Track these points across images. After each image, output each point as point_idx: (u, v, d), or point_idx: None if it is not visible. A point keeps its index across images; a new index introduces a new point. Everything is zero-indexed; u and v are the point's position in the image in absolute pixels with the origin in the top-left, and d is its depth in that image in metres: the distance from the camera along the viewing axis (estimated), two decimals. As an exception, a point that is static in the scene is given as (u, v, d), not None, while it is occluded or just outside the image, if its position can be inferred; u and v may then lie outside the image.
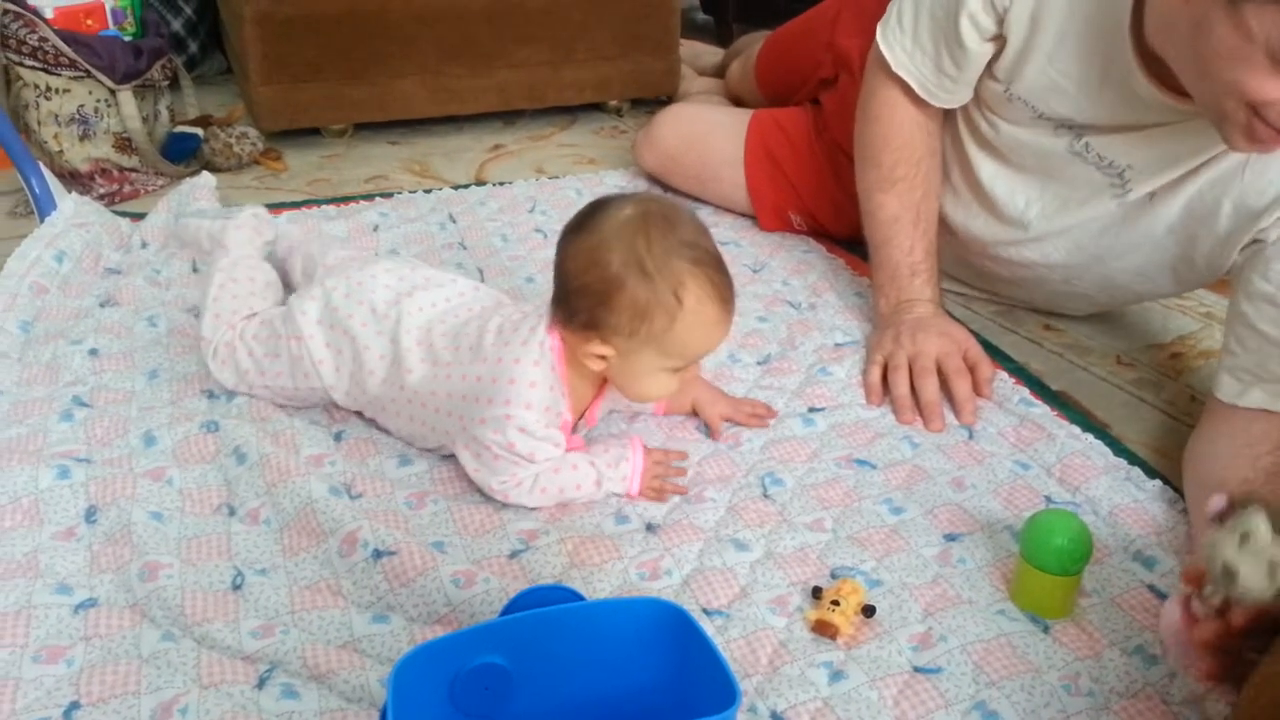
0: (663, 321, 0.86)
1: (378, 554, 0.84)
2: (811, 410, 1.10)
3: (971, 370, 1.13)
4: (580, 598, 0.68)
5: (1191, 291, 1.31)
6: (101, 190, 1.60)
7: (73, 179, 1.58)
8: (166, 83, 1.71)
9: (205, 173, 1.57)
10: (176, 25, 2.20)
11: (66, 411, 1.01)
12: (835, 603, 0.81)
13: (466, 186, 1.71)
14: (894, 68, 1.19)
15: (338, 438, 1.02)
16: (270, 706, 0.72)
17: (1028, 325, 1.36)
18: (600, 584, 0.85)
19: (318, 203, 1.62)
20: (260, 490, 0.92)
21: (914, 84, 1.19)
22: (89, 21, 1.62)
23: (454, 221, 1.55)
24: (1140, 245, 1.13)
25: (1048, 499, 0.97)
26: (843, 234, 1.53)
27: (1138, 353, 1.30)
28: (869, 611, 0.82)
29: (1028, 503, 0.97)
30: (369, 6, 1.83)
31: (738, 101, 1.96)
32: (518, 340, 0.91)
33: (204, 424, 1.01)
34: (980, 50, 1.11)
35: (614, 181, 1.73)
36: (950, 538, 0.92)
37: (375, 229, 1.50)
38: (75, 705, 0.71)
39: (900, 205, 1.22)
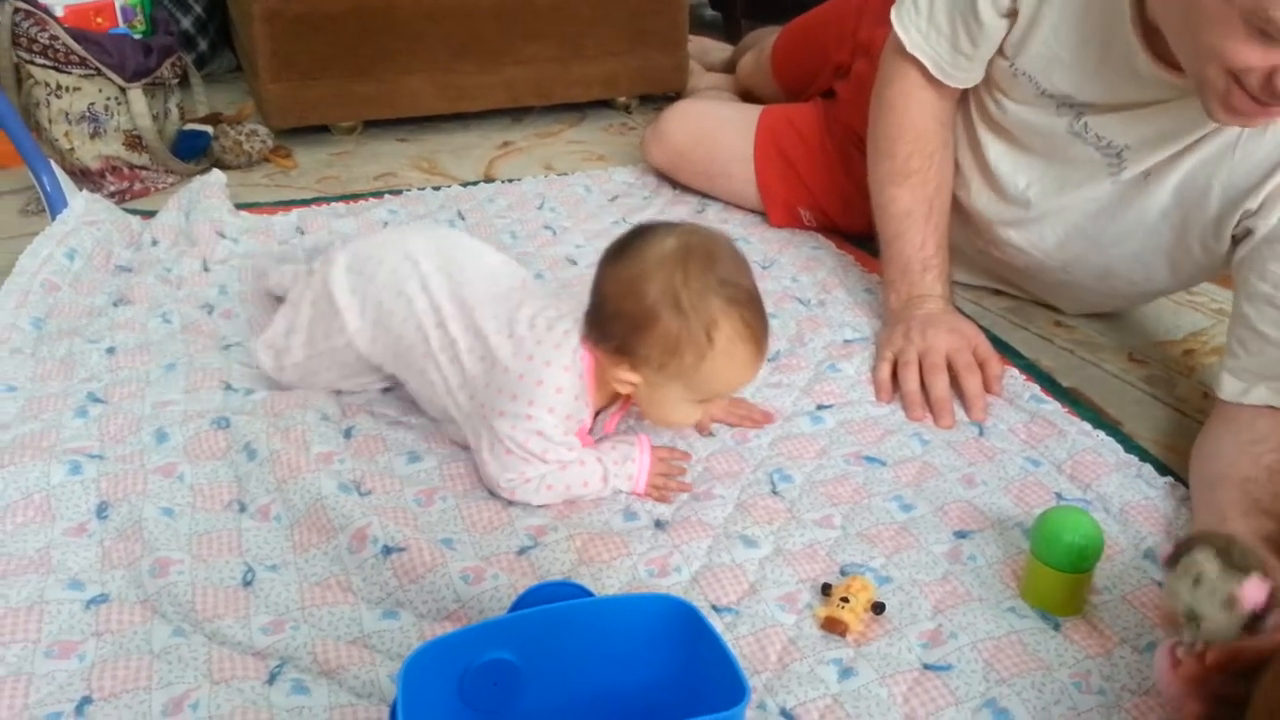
0: (692, 358, 0.86)
1: (387, 550, 0.84)
2: (820, 407, 1.10)
3: (982, 367, 1.12)
4: (589, 594, 0.68)
5: (1194, 286, 1.30)
6: (112, 188, 1.61)
7: (83, 177, 1.59)
8: (176, 80, 1.71)
9: (215, 170, 1.58)
10: (186, 23, 2.21)
11: (81, 408, 1.02)
12: (845, 600, 0.81)
13: (475, 183, 1.71)
14: (909, 48, 1.19)
15: (347, 434, 1.02)
16: (280, 702, 0.72)
17: (1039, 321, 1.35)
18: (609, 580, 0.85)
19: (327, 200, 1.62)
20: (271, 487, 0.92)
21: (929, 64, 1.19)
22: (99, 20, 1.63)
23: (463, 218, 1.55)
24: (1134, 231, 1.13)
25: (1058, 496, 0.97)
26: (853, 229, 1.52)
27: (1149, 349, 1.30)
28: (878, 608, 0.82)
29: (1038, 500, 0.96)
30: (377, 3, 1.83)
31: (749, 95, 1.96)
32: (550, 341, 0.90)
33: (215, 420, 1.01)
34: (996, 25, 1.11)
35: (623, 178, 1.73)
36: (960, 535, 0.92)
37: (384, 226, 1.50)
38: (87, 700, 0.72)
39: (913, 199, 1.22)
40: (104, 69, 1.57)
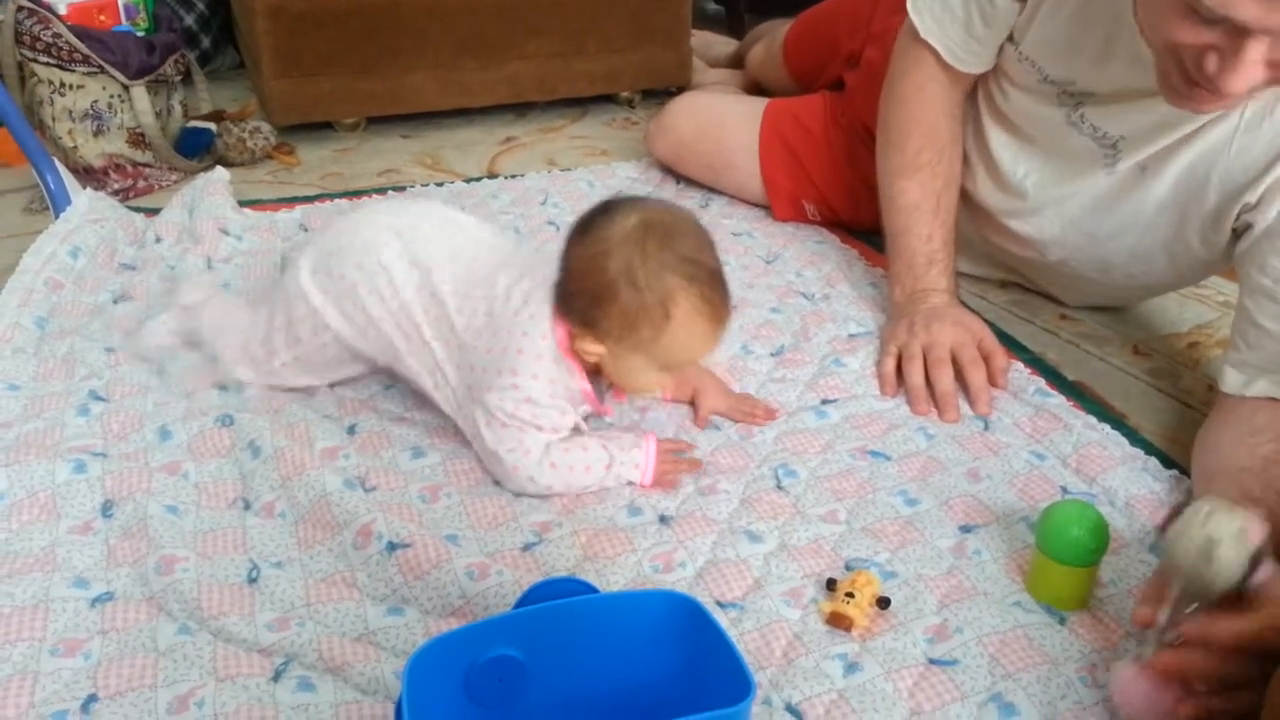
0: (650, 332, 0.88)
1: (392, 546, 0.84)
2: (825, 402, 1.10)
3: (986, 360, 1.12)
4: (594, 590, 0.68)
5: (1196, 282, 1.30)
6: (116, 186, 1.61)
7: (87, 174, 1.59)
8: (179, 78, 1.71)
9: (219, 167, 1.58)
10: (189, 20, 2.21)
11: (83, 406, 1.02)
12: (850, 595, 0.81)
13: (478, 179, 1.71)
14: (922, 33, 1.19)
15: (351, 431, 1.02)
16: (286, 699, 0.72)
17: (1044, 315, 1.35)
18: (614, 576, 0.85)
19: (330, 196, 1.62)
20: (275, 484, 0.92)
21: (942, 49, 1.19)
22: (102, 17, 1.62)
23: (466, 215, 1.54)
24: (1130, 225, 1.13)
25: (1064, 490, 0.97)
26: (858, 223, 1.52)
27: (1155, 342, 1.29)
28: (884, 603, 0.81)
29: (1044, 494, 0.96)
30: (380, 0, 1.83)
31: (758, 86, 1.96)
32: (526, 313, 0.92)
33: (219, 418, 1.01)
34: (1008, 8, 1.12)
35: (626, 173, 1.73)
36: (965, 529, 0.91)
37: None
38: (93, 698, 0.72)
39: (921, 193, 1.22)
40: (107, 67, 1.57)
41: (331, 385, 1.09)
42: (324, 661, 0.75)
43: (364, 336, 1.00)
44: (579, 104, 2.12)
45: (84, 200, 1.40)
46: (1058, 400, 1.11)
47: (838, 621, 0.80)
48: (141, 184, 1.64)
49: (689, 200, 1.62)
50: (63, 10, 1.56)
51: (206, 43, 2.26)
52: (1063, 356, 1.25)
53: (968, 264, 1.39)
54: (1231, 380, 0.97)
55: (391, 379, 1.08)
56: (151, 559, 0.83)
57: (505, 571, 0.83)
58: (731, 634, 0.73)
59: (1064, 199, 1.17)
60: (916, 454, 1.02)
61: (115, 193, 1.58)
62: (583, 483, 0.94)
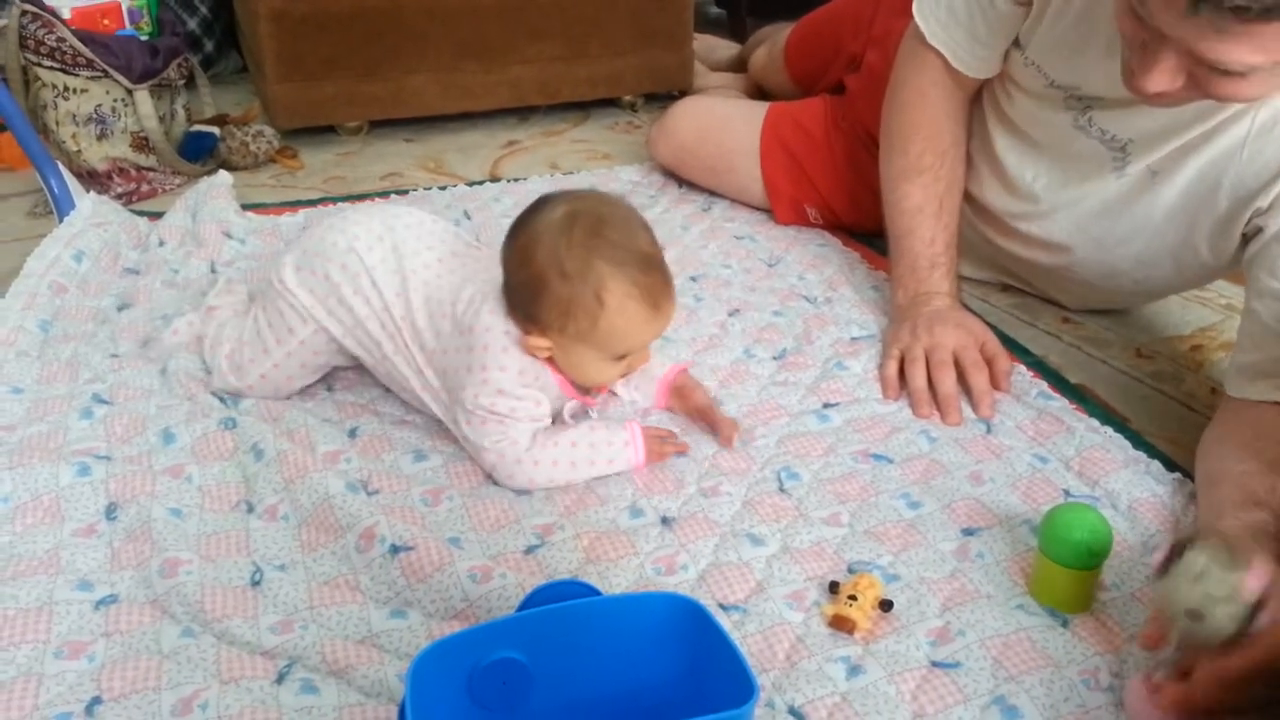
0: (587, 321, 0.89)
1: (395, 549, 0.84)
2: (827, 405, 1.10)
3: (989, 363, 1.12)
4: (596, 593, 0.68)
5: (1201, 286, 1.30)
6: (119, 189, 1.61)
7: (91, 178, 1.59)
8: (183, 82, 1.72)
9: (222, 171, 1.58)
10: (192, 24, 2.22)
11: (86, 409, 1.02)
12: (852, 597, 0.81)
13: (481, 183, 1.71)
14: (928, 38, 1.20)
15: (352, 434, 1.03)
16: (289, 701, 0.72)
17: (1046, 318, 1.35)
18: (616, 579, 0.85)
19: (333, 200, 1.62)
20: (278, 486, 0.93)
21: (947, 54, 1.19)
22: (106, 21, 1.63)
23: (468, 218, 1.55)
24: (1139, 231, 1.13)
25: (1066, 493, 0.97)
26: (859, 226, 1.52)
27: (1157, 345, 1.29)
28: (886, 606, 0.82)
29: (1046, 497, 0.96)
30: (383, 4, 1.83)
31: (760, 90, 1.96)
32: (486, 309, 0.94)
33: (222, 421, 1.01)
34: (1012, 13, 1.12)
35: (628, 176, 1.73)
36: (968, 532, 0.91)
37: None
38: (97, 700, 0.72)
39: (924, 196, 1.22)
40: (111, 71, 1.57)
41: (330, 388, 1.09)
42: (327, 664, 0.75)
43: (351, 335, 1.01)
44: (581, 108, 2.12)
45: (87, 204, 1.41)
46: (1060, 403, 1.11)
47: (840, 624, 0.80)
48: (145, 188, 1.65)
49: (691, 203, 1.62)
50: (66, 14, 1.57)
51: (210, 47, 2.27)
52: (1065, 359, 1.25)
53: (970, 268, 1.39)
54: (1237, 383, 0.97)
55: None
56: (155, 562, 0.83)
57: (508, 574, 0.83)
58: (734, 637, 0.73)
59: (1075, 202, 1.17)
60: (919, 457, 1.02)
61: (119, 196, 1.58)
62: (577, 464, 0.95)
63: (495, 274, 0.96)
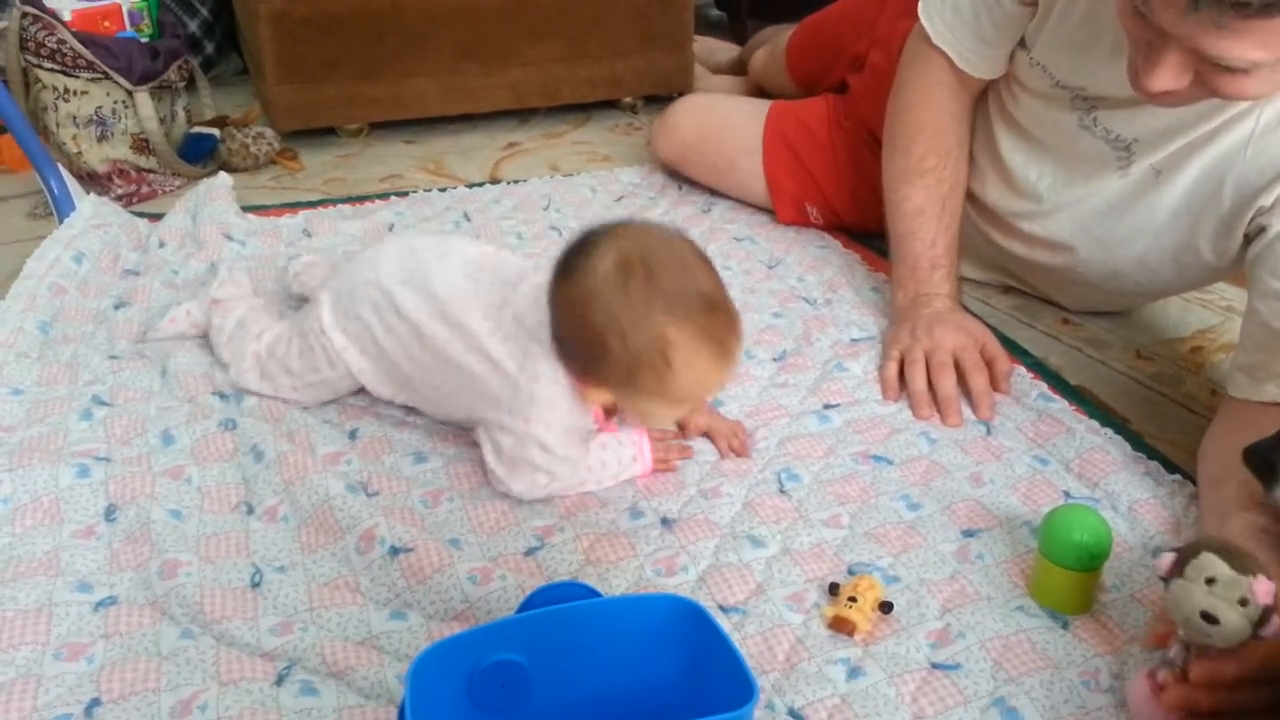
0: (653, 381, 0.84)
1: (395, 551, 0.84)
2: (827, 407, 1.10)
3: (989, 365, 1.12)
4: (596, 594, 0.68)
5: (1202, 287, 1.30)
6: (119, 191, 1.61)
7: (91, 180, 1.59)
8: (183, 84, 1.72)
9: (222, 173, 1.58)
10: (193, 26, 2.22)
11: (86, 410, 1.02)
12: (852, 599, 0.80)
13: (481, 185, 1.72)
14: (934, 39, 1.20)
15: (352, 435, 1.03)
16: (289, 703, 0.72)
17: (1046, 320, 1.35)
18: (616, 580, 0.85)
19: (333, 202, 1.62)
20: (278, 488, 0.92)
21: (953, 54, 1.19)
22: (106, 23, 1.63)
23: (469, 220, 1.55)
24: (1142, 230, 1.13)
25: (1066, 494, 0.97)
26: (860, 226, 1.52)
27: (1157, 347, 1.29)
28: (886, 608, 0.81)
29: (1046, 498, 0.96)
30: (383, 6, 1.83)
31: (761, 92, 1.96)
32: (537, 352, 0.90)
33: (221, 422, 1.01)
34: (1017, 13, 1.13)
35: (628, 178, 1.73)
36: (968, 534, 0.91)
37: (391, 228, 1.51)
38: (96, 702, 0.72)
39: (926, 198, 1.22)
40: (111, 72, 1.57)
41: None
42: (327, 666, 0.75)
43: (385, 375, 1.01)
44: (582, 109, 2.12)
45: (88, 206, 1.41)
46: (1060, 405, 1.11)
47: (840, 626, 0.80)
48: (145, 189, 1.65)
49: (691, 205, 1.62)
50: (67, 16, 1.57)
51: (210, 48, 2.26)
52: (1065, 361, 1.25)
53: (971, 269, 1.39)
54: (1240, 384, 0.97)
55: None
56: (154, 563, 0.83)
57: (508, 576, 0.83)
58: (734, 638, 0.73)
59: (1079, 201, 1.17)
60: (919, 458, 1.02)
61: (119, 198, 1.58)
62: (585, 483, 0.95)
63: (532, 306, 0.91)
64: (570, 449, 0.92)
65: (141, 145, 1.64)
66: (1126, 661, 0.78)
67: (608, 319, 0.82)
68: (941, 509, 0.94)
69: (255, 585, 0.83)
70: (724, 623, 0.80)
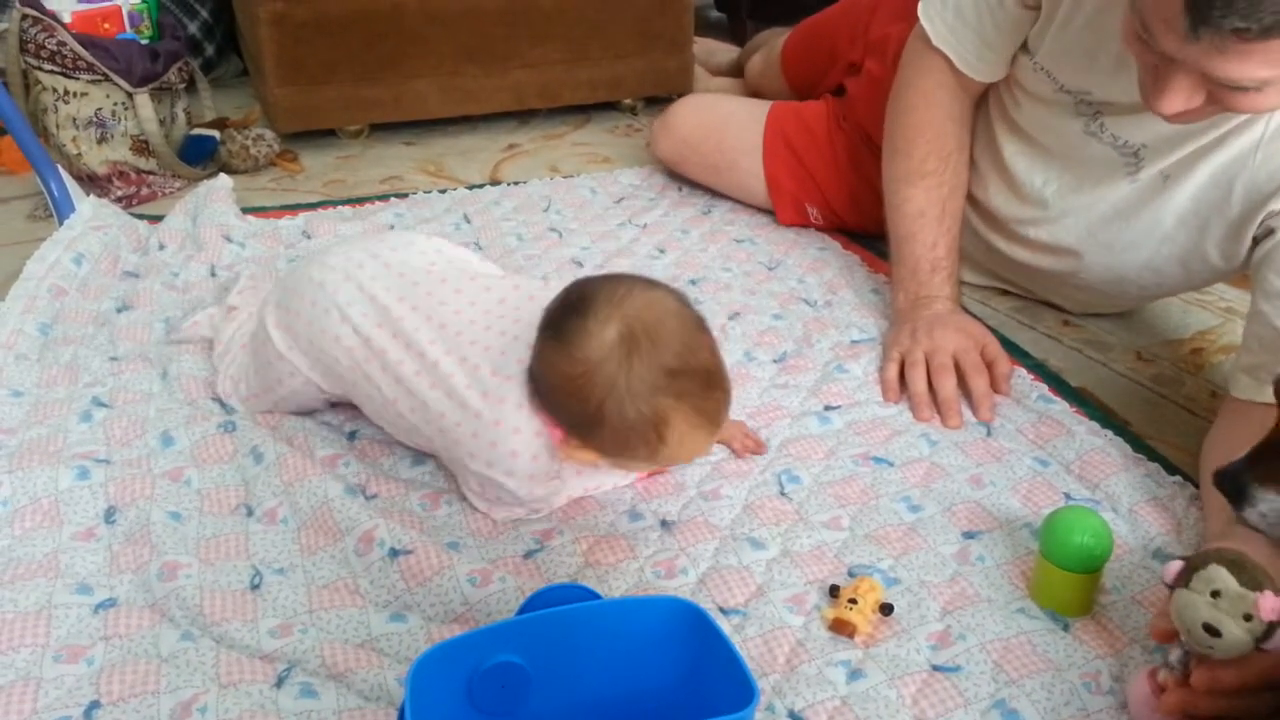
0: (645, 452, 0.82)
1: (394, 553, 0.84)
2: (828, 408, 1.10)
3: (989, 367, 1.12)
4: (597, 596, 0.68)
5: (1201, 288, 1.30)
6: (119, 193, 1.61)
7: (91, 182, 1.59)
8: (183, 85, 1.72)
9: (222, 175, 1.58)
10: (193, 28, 2.22)
11: (85, 412, 1.02)
12: (853, 601, 0.80)
13: (481, 186, 1.72)
14: (935, 41, 1.20)
15: (351, 437, 1.03)
16: (289, 705, 0.72)
17: (1046, 321, 1.35)
18: (616, 583, 0.84)
19: (333, 204, 1.62)
20: (278, 490, 0.92)
21: (954, 57, 1.19)
22: (106, 25, 1.63)
23: (469, 221, 1.55)
24: (1148, 236, 1.13)
25: (1067, 496, 0.97)
26: (860, 228, 1.52)
27: (1158, 348, 1.29)
28: (887, 610, 0.81)
29: (1047, 500, 0.96)
30: (383, 7, 1.83)
31: (758, 96, 1.96)
32: (512, 402, 0.85)
33: (221, 424, 1.01)
34: (1020, 16, 1.12)
35: (628, 180, 1.73)
36: (969, 535, 0.91)
37: (390, 229, 1.51)
38: (95, 704, 0.72)
39: (927, 200, 1.22)
40: (111, 74, 1.57)
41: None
42: (327, 668, 0.75)
43: (329, 379, 0.96)
44: (582, 111, 2.12)
45: (87, 207, 1.41)
46: (1060, 406, 1.11)
47: (841, 628, 0.80)
48: (145, 191, 1.65)
49: (692, 206, 1.62)
50: (67, 18, 1.57)
51: (210, 50, 2.26)
52: (1065, 363, 1.25)
53: (971, 274, 1.39)
54: (1244, 385, 0.96)
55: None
56: (154, 565, 0.83)
57: (507, 578, 0.83)
58: (734, 640, 0.73)
59: (1086, 207, 1.17)
60: (919, 460, 1.02)
61: (119, 200, 1.58)
62: (586, 487, 0.94)
63: (518, 338, 0.87)
64: (536, 491, 0.89)
65: (141, 147, 1.64)
66: (1127, 664, 0.78)
67: (608, 393, 0.79)
68: (942, 511, 0.94)
69: (255, 587, 0.83)
70: (724, 625, 0.80)
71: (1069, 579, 0.81)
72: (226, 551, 0.87)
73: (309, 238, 1.46)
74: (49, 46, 1.54)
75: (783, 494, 0.96)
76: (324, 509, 0.89)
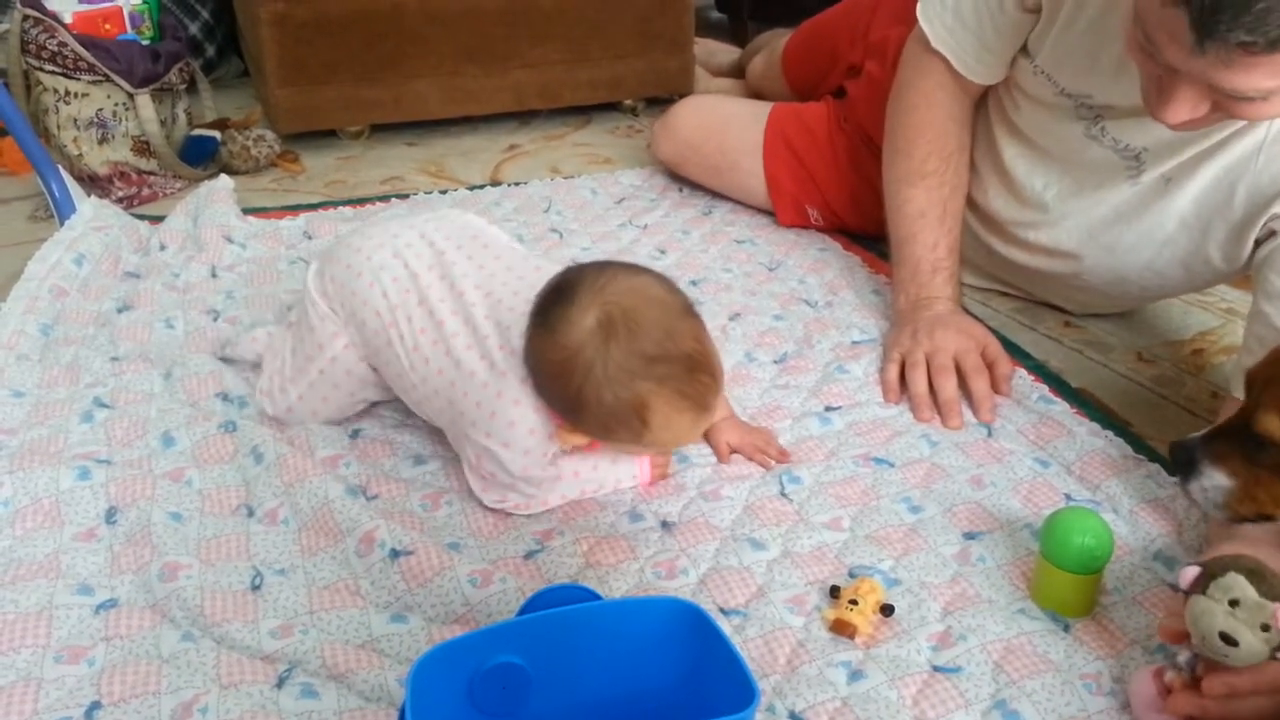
0: (629, 435, 0.84)
1: (395, 554, 0.84)
2: (829, 409, 1.10)
3: (990, 368, 1.12)
4: (597, 597, 0.68)
5: (1201, 289, 1.30)
6: (120, 193, 1.61)
7: (92, 182, 1.59)
8: (184, 86, 1.72)
9: (223, 175, 1.58)
10: (194, 29, 2.22)
11: (87, 413, 1.02)
12: (853, 602, 0.80)
13: (482, 187, 1.72)
14: (934, 43, 1.19)
15: (353, 436, 1.03)
16: (290, 706, 0.72)
17: (1047, 322, 1.35)
18: (616, 583, 0.85)
19: (334, 204, 1.62)
20: (278, 490, 0.92)
21: (953, 59, 1.19)
22: (107, 26, 1.63)
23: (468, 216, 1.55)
24: (1149, 239, 1.13)
25: (1068, 497, 0.97)
26: (861, 229, 1.52)
27: (1158, 349, 1.29)
28: (887, 611, 0.81)
29: (1047, 501, 0.96)
30: (384, 8, 1.83)
31: (759, 98, 1.96)
32: (514, 376, 0.87)
33: (222, 424, 1.01)
34: (1020, 19, 1.12)
35: (629, 181, 1.73)
36: (969, 536, 0.91)
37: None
38: (96, 705, 0.72)
39: (928, 201, 1.22)
40: (112, 75, 1.57)
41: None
42: (327, 669, 0.75)
43: (361, 336, 0.96)
44: (582, 112, 2.12)
45: (88, 208, 1.41)
46: (1061, 407, 1.11)
47: (841, 629, 0.80)
48: (146, 192, 1.65)
49: (692, 207, 1.62)
50: (68, 19, 1.57)
51: (211, 51, 2.27)
52: (1066, 363, 1.25)
53: (971, 277, 1.39)
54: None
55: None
56: (155, 566, 0.83)
57: (508, 579, 0.83)
58: (735, 641, 0.73)
59: (1086, 210, 1.17)
60: (920, 461, 1.02)
61: (120, 200, 1.58)
62: (585, 491, 0.94)
63: (520, 314, 0.89)
64: (530, 472, 0.89)
65: (142, 148, 1.64)
66: (1128, 664, 0.78)
67: (586, 378, 0.81)
68: (943, 511, 0.94)
69: (256, 588, 0.83)
70: (725, 625, 0.80)
71: (1070, 580, 0.81)
72: (227, 552, 0.87)
73: (310, 238, 1.46)
74: (50, 47, 1.54)
75: (783, 495, 0.96)
76: (325, 509, 0.89)
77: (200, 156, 1.76)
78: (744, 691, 0.57)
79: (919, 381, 1.11)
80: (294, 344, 1.02)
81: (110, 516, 0.89)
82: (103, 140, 1.61)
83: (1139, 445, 1.05)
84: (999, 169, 1.24)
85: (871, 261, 1.45)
